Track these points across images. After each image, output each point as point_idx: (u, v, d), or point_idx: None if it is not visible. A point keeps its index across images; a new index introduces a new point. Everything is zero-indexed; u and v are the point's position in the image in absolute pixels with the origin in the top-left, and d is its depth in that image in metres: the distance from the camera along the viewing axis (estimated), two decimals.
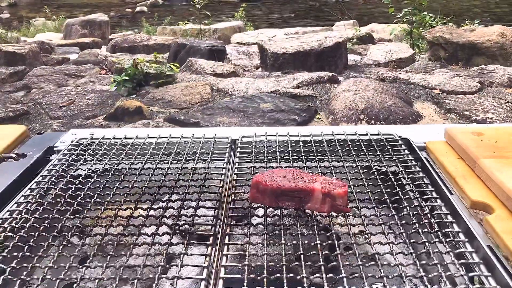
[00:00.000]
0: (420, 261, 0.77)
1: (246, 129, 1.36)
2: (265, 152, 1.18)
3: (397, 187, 1.00)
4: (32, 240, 0.84)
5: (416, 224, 0.86)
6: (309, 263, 0.77)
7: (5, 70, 4.83)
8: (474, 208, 0.95)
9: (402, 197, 0.96)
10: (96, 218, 0.91)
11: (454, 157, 1.14)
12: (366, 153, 1.16)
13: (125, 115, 3.41)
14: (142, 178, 1.06)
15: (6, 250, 0.81)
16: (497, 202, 0.93)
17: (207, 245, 0.82)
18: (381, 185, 1.00)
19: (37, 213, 0.92)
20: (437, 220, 0.88)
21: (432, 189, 0.99)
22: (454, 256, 0.77)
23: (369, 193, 0.98)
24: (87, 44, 7.53)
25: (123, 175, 1.08)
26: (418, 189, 0.99)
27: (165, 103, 3.72)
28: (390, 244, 0.81)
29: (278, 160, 1.14)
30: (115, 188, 1.01)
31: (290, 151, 1.17)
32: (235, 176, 1.06)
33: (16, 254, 0.80)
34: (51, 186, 1.04)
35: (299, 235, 0.83)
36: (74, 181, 1.05)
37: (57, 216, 0.91)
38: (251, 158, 1.15)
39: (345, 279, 0.73)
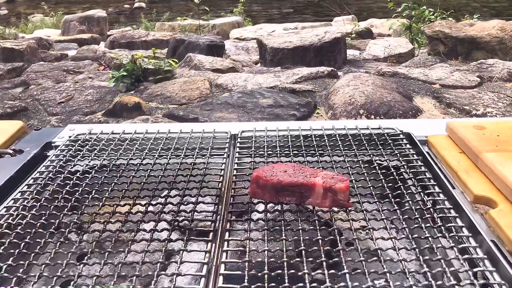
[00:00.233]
0: (423, 257, 0.76)
1: (245, 124, 1.34)
2: (265, 147, 1.16)
3: (399, 182, 0.99)
4: (28, 236, 0.82)
5: (419, 219, 0.85)
6: (311, 259, 0.76)
7: (3, 67, 4.81)
8: (477, 203, 0.94)
9: (404, 191, 0.95)
10: (94, 215, 0.90)
11: (456, 151, 1.12)
12: (367, 148, 1.15)
13: (123, 111, 3.40)
14: (141, 174, 1.05)
15: (2, 247, 0.79)
16: (500, 196, 0.92)
17: (207, 241, 0.81)
18: (383, 180, 0.99)
19: (34, 209, 0.91)
20: (440, 215, 0.86)
21: (434, 183, 0.98)
22: (458, 251, 0.76)
23: (371, 187, 0.97)
24: (86, 40, 7.51)
25: (121, 171, 1.06)
26: (420, 183, 0.98)
27: (164, 99, 3.70)
28: (393, 239, 0.79)
29: (278, 155, 1.13)
30: (113, 184, 1.00)
31: (290, 146, 1.16)
32: (235, 171, 1.05)
33: (12, 251, 0.79)
34: (49, 182, 1.02)
35: (300, 231, 0.82)
36: (72, 177, 1.04)
37: (54, 212, 0.90)
38: (251, 153, 1.14)
39: (347, 275, 0.71)
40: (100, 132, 1.26)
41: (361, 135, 1.19)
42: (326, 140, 1.17)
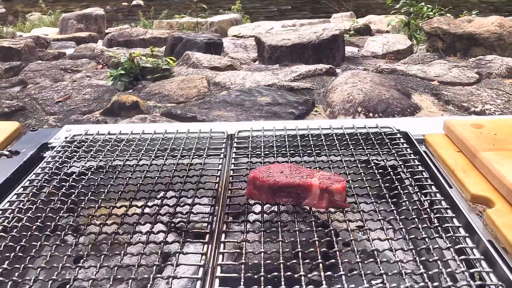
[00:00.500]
0: (420, 257, 0.75)
1: (242, 123, 1.34)
2: (262, 147, 1.16)
3: (396, 181, 0.98)
4: (24, 240, 0.82)
5: (416, 219, 0.85)
6: (307, 260, 0.76)
7: (1, 66, 4.80)
8: (474, 202, 0.94)
9: (401, 191, 0.94)
10: (90, 217, 0.89)
11: (453, 150, 1.12)
12: (365, 147, 1.14)
13: (121, 110, 3.39)
14: (137, 175, 1.04)
15: None
16: (498, 196, 0.92)
17: (203, 243, 0.81)
18: (380, 180, 0.99)
19: (30, 212, 0.91)
20: (437, 215, 0.86)
21: (432, 183, 0.98)
22: (455, 252, 0.76)
23: (368, 187, 0.96)
24: (83, 39, 7.48)
25: (117, 172, 1.06)
26: (417, 183, 0.98)
27: (162, 97, 3.70)
28: (389, 240, 0.79)
29: (275, 155, 1.12)
30: (109, 185, 0.99)
31: (287, 146, 1.16)
32: (232, 171, 1.05)
33: (8, 254, 0.78)
34: (45, 184, 1.02)
35: (297, 232, 0.82)
36: (68, 178, 1.03)
37: (50, 215, 0.90)
38: (248, 153, 1.13)
39: (343, 277, 0.71)
40: (97, 133, 1.25)
41: (358, 134, 1.19)
42: (323, 140, 1.17)
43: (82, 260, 0.80)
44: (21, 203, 0.94)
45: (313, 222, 0.85)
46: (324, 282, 0.70)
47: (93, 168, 1.09)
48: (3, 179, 1.04)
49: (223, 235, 0.83)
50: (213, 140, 1.20)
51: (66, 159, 1.13)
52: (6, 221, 0.88)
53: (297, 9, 12.68)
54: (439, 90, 3.60)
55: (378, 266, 0.73)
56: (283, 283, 0.70)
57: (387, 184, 0.97)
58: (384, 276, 0.71)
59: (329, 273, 0.72)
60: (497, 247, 0.78)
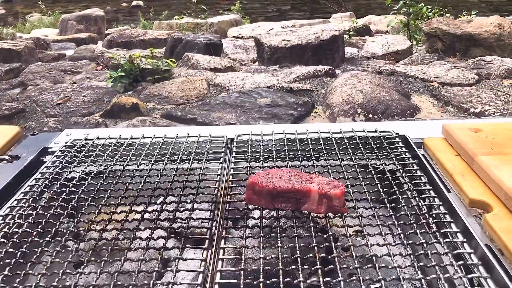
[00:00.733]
0: (418, 263, 0.76)
1: (241, 127, 1.34)
2: (261, 151, 1.16)
3: (394, 186, 0.99)
4: (25, 246, 0.82)
5: (414, 224, 0.85)
6: (306, 266, 0.76)
7: (1, 67, 4.80)
8: (472, 207, 0.94)
9: (400, 196, 0.95)
10: (90, 222, 0.90)
11: (451, 154, 1.13)
12: (363, 151, 1.15)
13: (121, 112, 3.40)
14: (137, 180, 1.05)
15: None
16: (496, 200, 0.92)
17: (203, 248, 0.81)
18: (379, 184, 0.99)
19: (31, 217, 0.91)
20: (435, 220, 0.87)
21: (430, 187, 0.98)
22: (453, 257, 0.76)
23: (367, 192, 0.97)
24: (83, 40, 7.49)
25: (117, 177, 1.06)
26: (415, 187, 0.98)
27: (161, 99, 3.70)
28: (388, 246, 0.80)
29: (275, 159, 1.13)
30: (109, 190, 1.00)
31: (286, 150, 1.16)
32: (231, 176, 1.05)
33: (8, 261, 0.79)
34: (45, 189, 1.02)
35: (296, 237, 0.82)
36: (68, 183, 1.04)
37: (50, 220, 0.90)
38: (247, 157, 1.14)
39: (342, 282, 0.72)
40: (97, 137, 1.26)
41: (357, 138, 1.20)
42: (322, 144, 1.17)
43: (82, 266, 0.80)
44: (22, 209, 0.94)
45: (312, 227, 0.85)
46: None
47: (93, 173, 1.10)
48: (4, 184, 1.04)
49: (223, 241, 0.83)
50: (212, 145, 1.20)
51: (66, 164, 1.13)
52: (7, 227, 0.88)
53: (296, 10, 12.69)
54: (438, 91, 3.61)
55: (376, 272, 0.74)
56: None
57: (386, 189, 0.98)
58: (383, 281, 0.72)
59: (327, 278, 0.73)
60: (495, 252, 0.79)
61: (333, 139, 1.19)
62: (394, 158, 1.11)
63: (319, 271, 0.74)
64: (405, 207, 0.91)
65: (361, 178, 1.02)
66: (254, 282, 0.72)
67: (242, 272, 0.74)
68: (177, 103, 3.62)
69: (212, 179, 1.03)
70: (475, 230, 0.84)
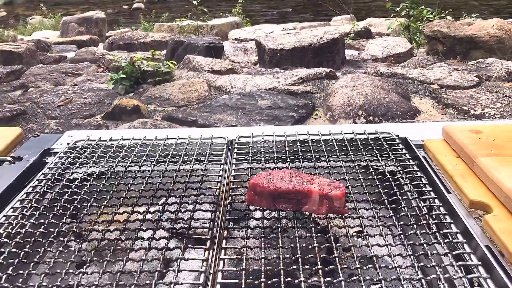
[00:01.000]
0: (418, 263, 0.76)
1: (243, 129, 1.35)
2: (262, 152, 1.17)
3: (395, 187, 0.99)
4: (28, 246, 0.83)
5: (414, 225, 0.86)
6: (307, 266, 0.77)
7: (2, 70, 4.82)
8: (472, 208, 0.95)
9: (400, 197, 0.95)
10: (93, 223, 0.90)
11: (452, 156, 1.13)
12: (364, 153, 1.15)
13: (122, 114, 3.41)
14: (139, 181, 1.05)
15: (2, 257, 0.80)
16: (496, 202, 0.93)
17: (204, 249, 0.82)
18: (379, 185, 1.00)
19: (33, 218, 0.92)
20: (435, 221, 0.87)
21: (430, 188, 0.99)
22: (453, 258, 0.77)
23: (367, 193, 0.97)
24: (84, 42, 7.51)
25: (119, 178, 1.07)
26: (416, 189, 0.99)
27: (162, 101, 3.71)
28: (388, 246, 0.80)
29: (276, 160, 1.13)
30: (111, 191, 1.01)
31: (287, 151, 1.17)
32: (232, 177, 1.06)
33: (12, 260, 0.79)
34: (47, 190, 1.03)
35: (297, 238, 0.83)
36: (71, 184, 1.04)
37: (53, 221, 0.91)
38: (248, 158, 1.14)
39: (343, 282, 0.72)
40: (99, 139, 1.26)
41: (358, 140, 1.20)
42: (323, 145, 1.18)
43: (85, 266, 0.81)
44: (24, 209, 0.95)
45: (313, 228, 0.86)
46: None
47: (95, 174, 1.11)
48: (7, 185, 1.05)
49: (224, 241, 0.84)
50: (214, 146, 1.21)
51: (68, 165, 1.14)
52: (10, 227, 0.89)
53: (297, 12, 12.71)
54: (439, 94, 3.61)
55: (377, 272, 0.74)
56: None
57: (386, 190, 0.98)
58: (383, 281, 0.72)
59: (328, 278, 0.73)
60: (494, 252, 0.79)
61: (333, 140, 1.20)
62: (394, 160, 1.11)
63: (320, 271, 0.75)
64: (406, 208, 0.91)
65: (361, 179, 1.02)
66: (256, 282, 0.73)
67: (243, 272, 0.75)
68: (178, 105, 3.63)
69: (213, 180, 1.04)
70: (475, 231, 0.84)
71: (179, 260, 0.78)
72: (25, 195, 1.01)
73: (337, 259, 0.78)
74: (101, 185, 1.04)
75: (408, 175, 1.04)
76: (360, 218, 0.88)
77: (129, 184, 1.03)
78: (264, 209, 0.92)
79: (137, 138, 1.26)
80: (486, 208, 0.93)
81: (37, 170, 1.15)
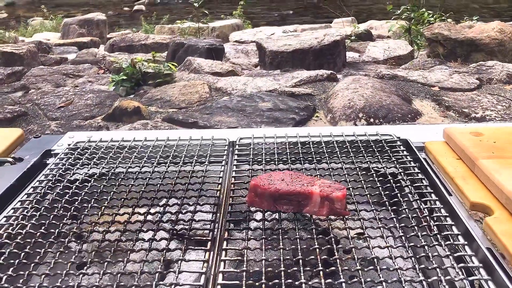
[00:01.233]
0: (419, 265, 0.76)
1: (244, 130, 1.35)
2: (263, 154, 1.17)
3: (396, 189, 0.99)
4: (28, 246, 0.83)
5: (415, 227, 0.86)
6: (308, 268, 0.76)
7: (3, 71, 4.82)
8: (473, 210, 0.94)
9: (401, 199, 0.95)
10: (93, 224, 0.90)
11: (453, 158, 1.13)
12: (365, 155, 1.15)
13: (123, 116, 3.41)
14: (140, 182, 1.05)
15: (2, 257, 0.80)
16: (497, 204, 0.93)
17: (205, 250, 0.82)
18: (380, 187, 1.00)
19: (34, 219, 0.92)
20: (436, 223, 0.87)
21: (431, 190, 0.98)
22: (454, 260, 0.76)
23: (368, 195, 0.97)
24: (85, 44, 7.51)
25: (120, 179, 1.07)
26: (417, 190, 0.99)
27: (163, 103, 3.71)
28: (389, 248, 0.80)
29: (276, 162, 1.13)
30: (112, 192, 1.01)
31: (288, 153, 1.17)
32: (233, 179, 1.06)
33: (12, 261, 0.79)
34: (48, 191, 1.03)
35: (298, 239, 0.83)
36: (71, 185, 1.04)
37: (54, 221, 0.90)
38: (249, 160, 1.14)
39: (344, 284, 0.72)
40: (99, 140, 1.26)
41: (359, 141, 1.20)
42: (324, 147, 1.18)
43: (85, 267, 0.80)
44: (25, 210, 0.95)
45: (313, 230, 0.86)
46: None
47: (96, 175, 1.11)
48: (7, 186, 1.05)
49: (225, 242, 0.84)
50: (214, 147, 1.21)
51: (69, 166, 1.14)
52: (11, 228, 0.89)
53: (298, 14, 12.72)
54: (440, 96, 3.61)
55: (378, 274, 0.74)
56: None
57: (387, 192, 0.98)
58: (384, 283, 0.72)
59: (329, 280, 0.73)
60: (495, 254, 0.79)
61: (334, 142, 1.20)
62: (395, 162, 1.11)
63: (321, 273, 0.74)
64: (407, 209, 0.91)
65: (362, 181, 1.02)
66: (256, 284, 0.73)
67: (244, 273, 0.75)
68: (178, 106, 3.63)
69: (214, 182, 1.04)
70: (476, 233, 0.84)
71: (179, 261, 0.78)
72: (25, 195, 1.01)
73: (338, 260, 0.77)
74: (102, 186, 1.04)
75: (409, 177, 1.04)
76: (361, 220, 0.88)
77: (130, 185, 1.03)
78: (265, 210, 0.92)
79: (138, 139, 1.26)
80: (487, 210, 0.93)
81: (38, 171, 1.15)
